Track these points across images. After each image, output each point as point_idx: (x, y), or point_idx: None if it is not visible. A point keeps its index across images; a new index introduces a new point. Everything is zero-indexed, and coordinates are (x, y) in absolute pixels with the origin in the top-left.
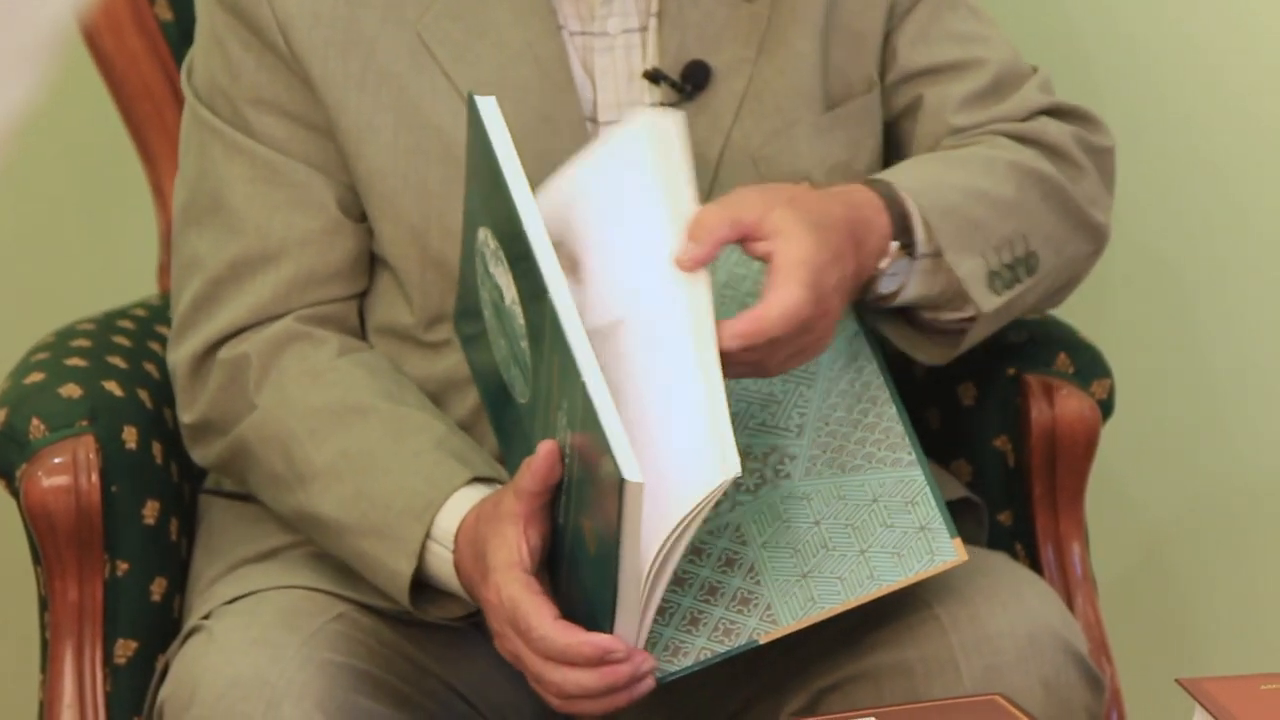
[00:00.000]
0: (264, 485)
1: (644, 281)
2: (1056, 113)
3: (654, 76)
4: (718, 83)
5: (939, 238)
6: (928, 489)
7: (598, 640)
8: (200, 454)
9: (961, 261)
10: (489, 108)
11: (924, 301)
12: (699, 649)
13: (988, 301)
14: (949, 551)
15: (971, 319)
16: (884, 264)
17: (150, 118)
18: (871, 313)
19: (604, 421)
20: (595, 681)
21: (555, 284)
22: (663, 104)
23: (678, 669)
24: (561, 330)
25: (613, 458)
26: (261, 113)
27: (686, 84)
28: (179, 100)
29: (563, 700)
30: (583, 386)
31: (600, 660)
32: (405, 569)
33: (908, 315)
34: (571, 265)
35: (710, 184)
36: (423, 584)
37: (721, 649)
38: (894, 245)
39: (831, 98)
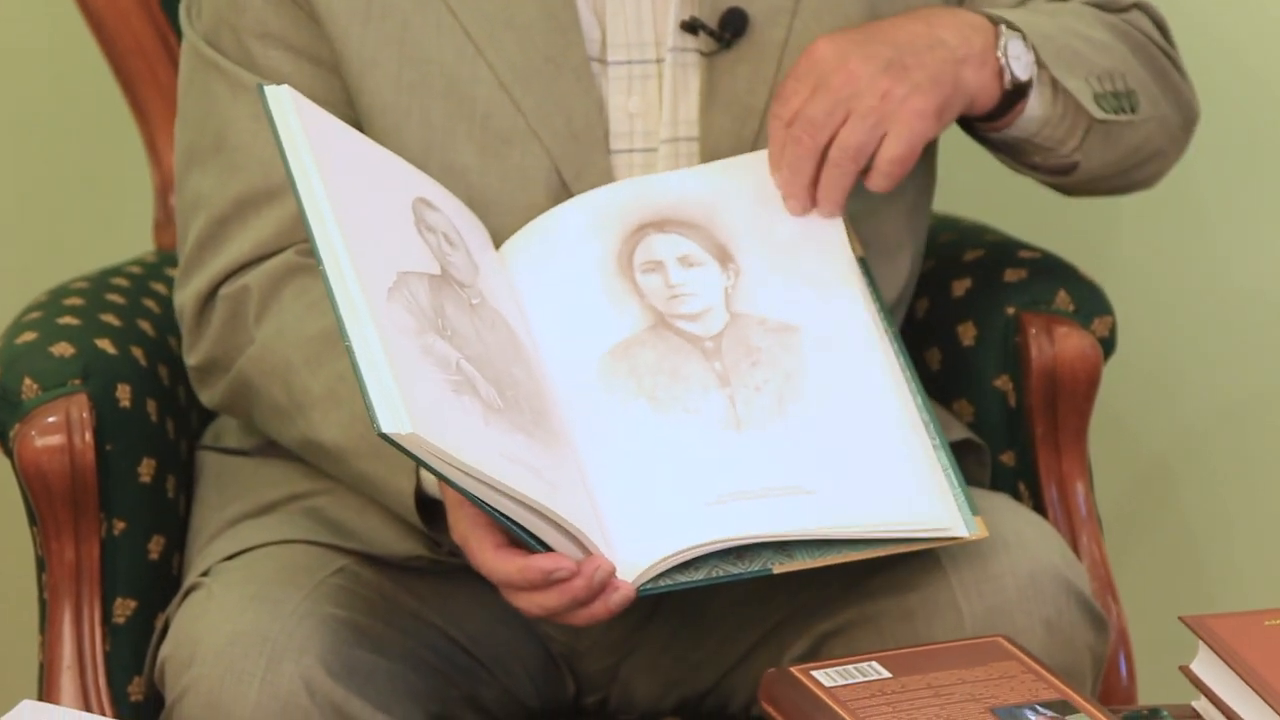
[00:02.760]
0: (269, 418)
1: (817, 298)
2: (1144, 8)
3: (692, 26)
4: (756, 31)
5: (1043, 55)
6: (953, 470)
7: (538, 563)
8: (207, 395)
9: (1066, 77)
10: (276, 96)
11: (1044, 127)
12: (712, 566)
13: (1097, 110)
14: (972, 525)
15: (1073, 166)
16: (1002, 51)
17: (142, 74)
18: (994, 145)
19: (365, 378)
20: (556, 600)
21: (328, 255)
22: (701, 52)
23: (688, 581)
24: (333, 294)
25: (374, 413)
26: (267, 47)
27: (725, 31)
28: (171, 57)
29: (547, 618)
30: (350, 350)
31: (547, 582)
32: (406, 486)
33: (1022, 159)
34: (721, 253)
35: (756, 134)
36: (436, 513)
37: (735, 570)
38: (1002, 27)
39: None
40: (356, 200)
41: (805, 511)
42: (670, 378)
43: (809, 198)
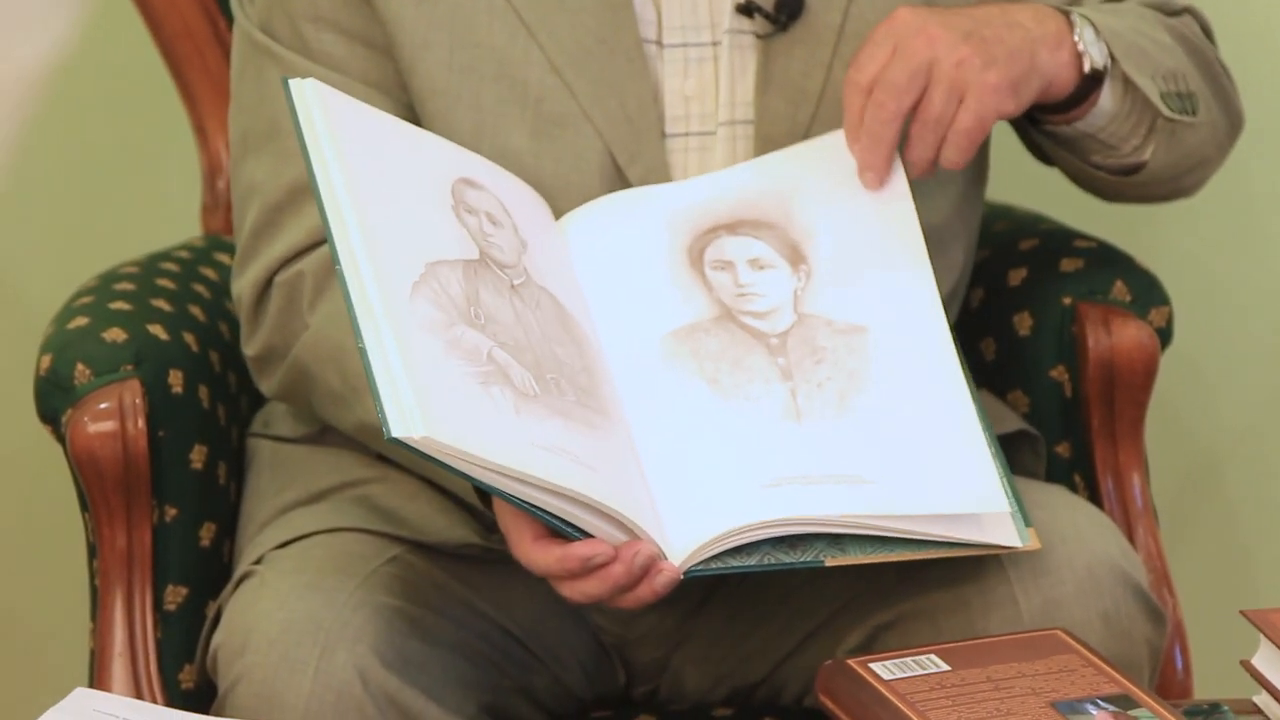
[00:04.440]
0: (325, 404)
1: (887, 297)
2: (1193, 13)
3: (747, 8)
4: (811, 14)
5: (1114, 50)
6: (1008, 484)
7: (576, 551)
8: (266, 385)
9: (1135, 74)
10: (299, 90)
11: (1111, 122)
12: (764, 553)
13: (1165, 109)
14: (1025, 537)
15: (1139, 166)
16: (1079, 36)
17: (190, 57)
18: (1058, 141)
19: (377, 382)
20: (597, 587)
21: (345, 256)
22: (756, 35)
23: (740, 565)
24: (348, 294)
25: (385, 418)
26: (320, 30)
27: (781, 14)
28: (219, 40)
29: (595, 604)
30: (363, 352)
31: (585, 569)
32: None
33: (1085, 157)
34: (794, 254)
35: (811, 118)
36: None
37: (787, 559)
38: (1075, 15)
39: None
40: (382, 195)
41: (861, 498)
42: (733, 366)
43: (888, 167)
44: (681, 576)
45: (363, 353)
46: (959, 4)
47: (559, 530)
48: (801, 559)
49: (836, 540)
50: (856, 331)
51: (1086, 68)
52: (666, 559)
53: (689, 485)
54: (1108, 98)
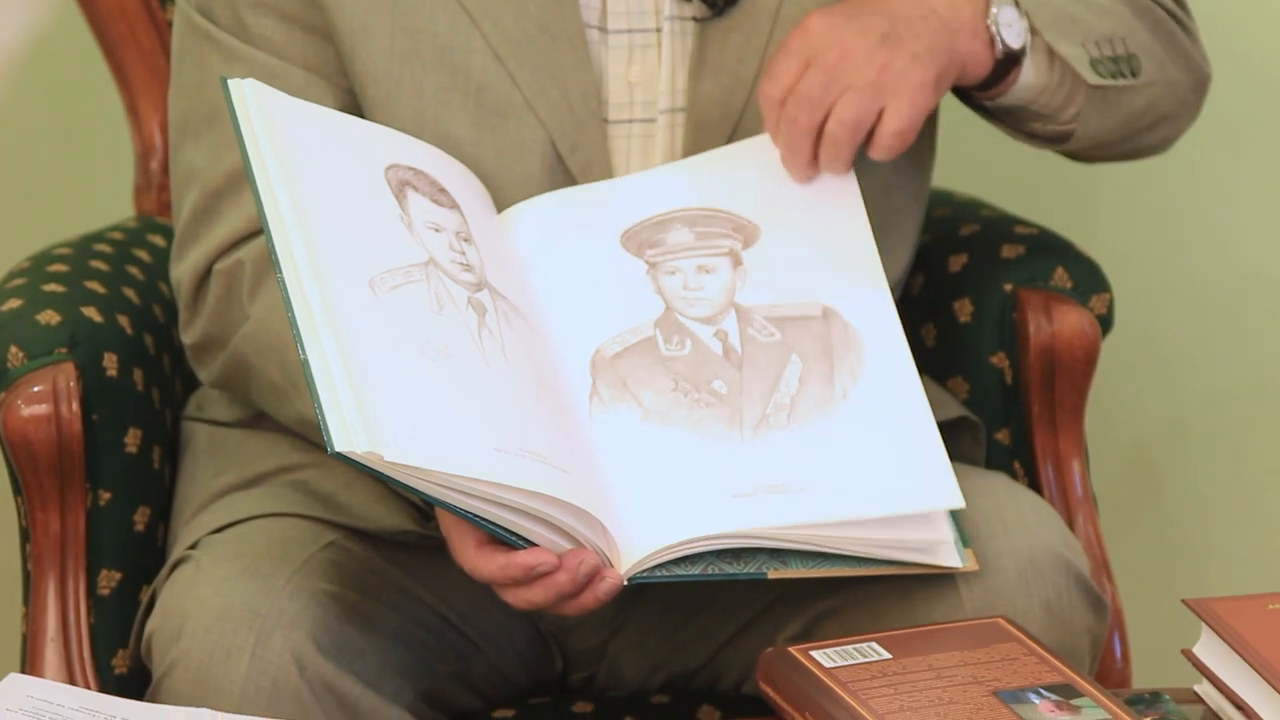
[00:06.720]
0: (266, 396)
1: (840, 284)
2: None
3: None
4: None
5: (1036, 22)
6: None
7: (519, 560)
8: (205, 373)
9: (1060, 43)
10: (237, 90)
11: (1040, 95)
12: (708, 563)
13: (1092, 75)
14: (964, 558)
15: (1070, 132)
16: (992, 20)
17: (124, 38)
18: (988, 113)
19: (320, 396)
20: (541, 596)
21: (287, 266)
22: (694, 18)
23: (684, 575)
24: (289, 302)
25: (328, 433)
26: (260, 15)
27: None
28: (154, 21)
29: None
30: (305, 361)
31: (530, 578)
32: None
33: (1020, 126)
34: (747, 239)
35: (744, 104)
36: None
37: (730, 569)
38: None
39: None
40: (325, 200)
41: (810, 507)
42: (672, 377)
43: (810, 173)
44: (625, 583)
45: (305, 364)
46: None
47: (502, 538)
48: (745, 570)
49: (779, 554)
50: (803, 320)
51: (999, 50)
52: (610, 566)
53: (640, 493)
54: (1030, 72)
